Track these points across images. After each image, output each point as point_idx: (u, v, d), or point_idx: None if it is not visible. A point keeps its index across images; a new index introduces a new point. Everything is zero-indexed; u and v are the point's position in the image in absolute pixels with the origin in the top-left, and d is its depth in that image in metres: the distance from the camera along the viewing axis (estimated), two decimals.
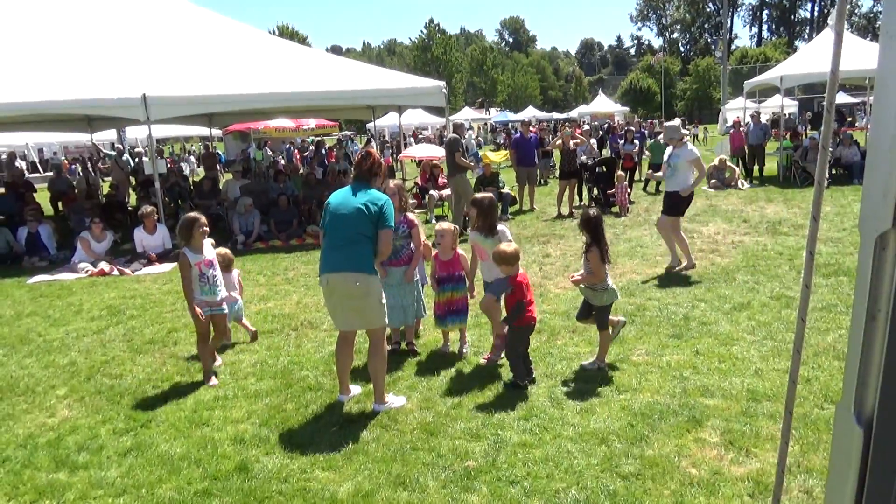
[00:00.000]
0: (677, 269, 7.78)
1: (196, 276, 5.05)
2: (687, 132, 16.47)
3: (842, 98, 34.83)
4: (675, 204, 7.86)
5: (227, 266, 6.17)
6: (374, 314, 4.43)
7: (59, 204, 16.18)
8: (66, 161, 27.82)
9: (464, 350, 5.52)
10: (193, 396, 4.96)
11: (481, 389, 4.78)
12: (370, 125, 23.27)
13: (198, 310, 5.03)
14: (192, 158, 30.38)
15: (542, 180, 17.63)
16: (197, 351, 5.38)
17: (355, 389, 4.80)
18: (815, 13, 77.03)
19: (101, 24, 12.17)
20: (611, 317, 5.14)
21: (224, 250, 6.37)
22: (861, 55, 13.96)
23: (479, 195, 5.56)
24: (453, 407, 4.50)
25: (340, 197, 4.49)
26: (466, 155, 11.91)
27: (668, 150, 8.09)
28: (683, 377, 4.77)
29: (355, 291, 4.31)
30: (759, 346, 5.31)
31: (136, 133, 25.38)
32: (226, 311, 5.37)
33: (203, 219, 5.16)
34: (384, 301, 4.52)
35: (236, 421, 4.49)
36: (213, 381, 5.19)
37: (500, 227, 5.32)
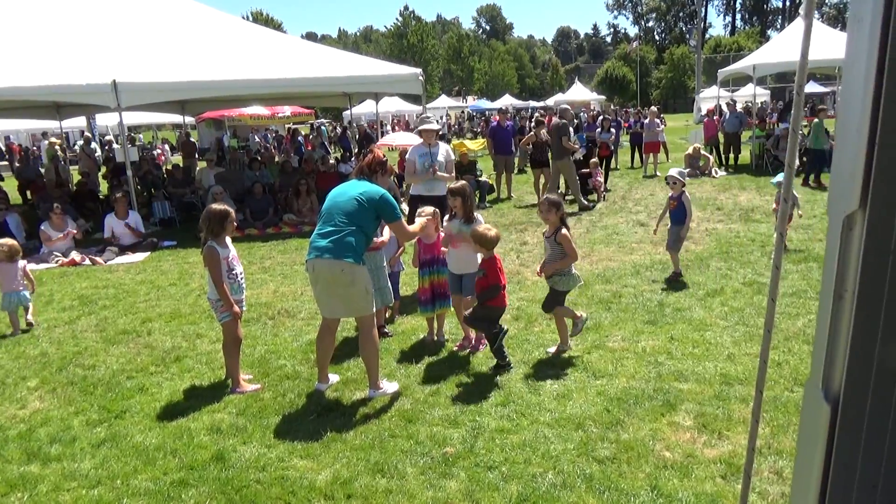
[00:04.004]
0: None
1: (224, 272, 4.67)
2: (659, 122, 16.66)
3: (811, 87, 35.31)
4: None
5: (11, 257, 6.08)
6: (359, 302, 4.42)
7: (28, 193, 15.84)
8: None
9: (443, 338, 5.54)
10: (168, 386, 4.91)
11: (459, 376, 4.80)
12: (346, 113, 23.06)
13: (236, 308, 4.68)
14: (166, 146, 29.94)
15: (519, 168, 17.65)
16: (224, 357, 4.84)
17: (333, 378, 4.79)
18: (787, 2, 77.85)
19: (70, 8, 11.88)
20: (575, 312, 5.18)
21: (10, 241, 6.27)
22: (831, 44, 14.16)
23: (457, 184, 5.54)
24: (431, 394, 4.52)
25: (340, 188, 4.60)
26: (570, 138, 12.03)
27: (423, 149, 7.36)
28: (658, 362, 4.84)
29: (340, 279, 4.31)
30: (732, 331, 5.41)
31: (106, 120, 24.90)
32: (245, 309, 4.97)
33: (233, 213, 4.79)
34: (371, 289, 4.52)
35: (212, 411, 4.45)
36: (251, 387, 4.77)
37: (475, 214, 5.39)
